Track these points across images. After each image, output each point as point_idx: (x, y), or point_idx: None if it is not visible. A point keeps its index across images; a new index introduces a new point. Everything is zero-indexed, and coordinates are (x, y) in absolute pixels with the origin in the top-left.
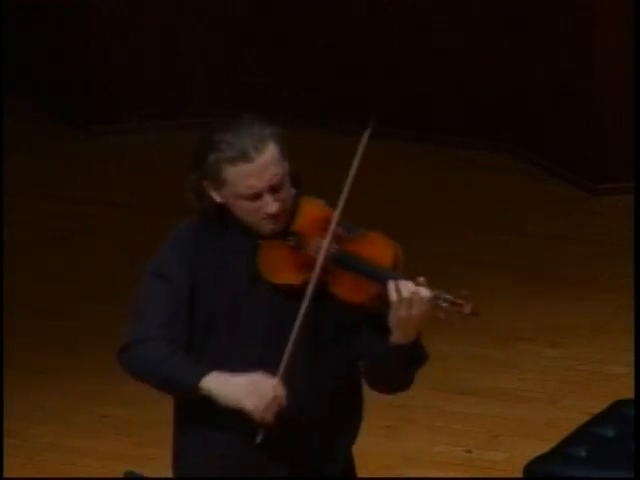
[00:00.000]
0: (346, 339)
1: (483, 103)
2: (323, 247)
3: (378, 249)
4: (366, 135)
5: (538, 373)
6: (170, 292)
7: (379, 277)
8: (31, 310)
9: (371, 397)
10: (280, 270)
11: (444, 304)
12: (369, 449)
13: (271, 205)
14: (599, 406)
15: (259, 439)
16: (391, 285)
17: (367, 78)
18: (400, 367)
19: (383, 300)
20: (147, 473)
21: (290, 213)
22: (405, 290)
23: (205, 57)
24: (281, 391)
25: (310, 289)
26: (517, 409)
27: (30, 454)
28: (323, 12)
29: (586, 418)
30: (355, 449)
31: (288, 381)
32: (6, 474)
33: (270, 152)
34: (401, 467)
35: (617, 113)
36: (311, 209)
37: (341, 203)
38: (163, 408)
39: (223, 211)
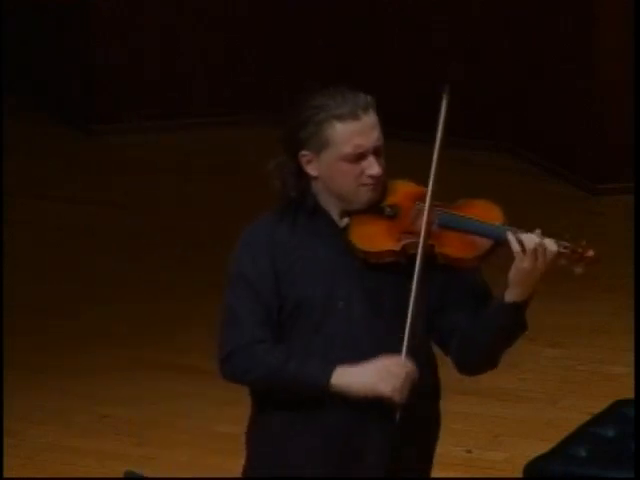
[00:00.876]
0: (446, 309)
1: (482, 103)
2: (426, 207)
3: (484, 209)
4: (445, 102)
5: (538, 373)
6: (255, 293)
7: (493, 232)
8: (31, 310)
9: None
10: (378, 239)
11: (567, 251)
12: None
13: (375, 167)
14: (599, 406)
15: (398, 417)
16: (512, 237)
17: (367, 78)
18: (506, 331)
19: (495, 255)
20: (147, 473)
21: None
22: (529, 242)
23: (205, 57)
24: (411, 366)
25: (420, 252)
26: (517, 409)
27: (30, 454)
28: (323, 12)
29: (586, 418)
30: None
31: (412, 353)
32: (6, 474)
33: (374, 116)
34: None
35: (617, 113)
36: (402, 187)
37: (433, 169)
38: (163, 408)
39: (305, 193)
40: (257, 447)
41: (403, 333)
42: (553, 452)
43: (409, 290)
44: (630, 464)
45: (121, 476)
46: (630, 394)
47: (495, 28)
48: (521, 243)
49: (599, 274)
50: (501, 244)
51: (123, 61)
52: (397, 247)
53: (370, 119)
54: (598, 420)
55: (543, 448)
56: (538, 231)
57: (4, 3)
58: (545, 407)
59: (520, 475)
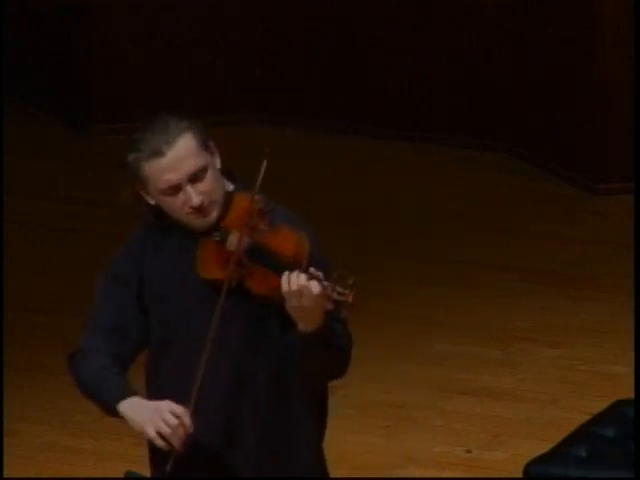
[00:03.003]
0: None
1: (483, 103)
2: (236, 240)
3: (282, 239)
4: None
5: (538, 373)
6: (121, 296)
7: (277, 269)
8: (31, 310)
9: (371, 397)
10: (209, 266)
11: (334, 295)
12: (369, 449)
13: (194, 197)
14: (599, 406)
15: (168, 467)
16: (284, 277)
17: (367, 78)
18: (316, 353)
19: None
20: (147, 473)
21: (224, 208)
22: (294, 283)
23: (205, 57)
24: (187, 419)
25: (225, 286)
26: (517, 409)
27: (30, 454)
28: (323, 12)
29: (586, 418)
30: (355, 449)
31: (206, 402)
32: (6, 474)
33: (184, 145)
34: (401, 467)
35: (617, 113)
36: (241, 203)
37: (255, 195)
38: None
39: (160, 214)
40: None
41: (255, 356)
42: (553, 452)
43: (254, 315)
44: (630, 464)
45: (121, 476)
46: (630, 394)
47: (495, 28)
48: (288, 283)
49: (599, 274)
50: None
51: (123, 61)
52: (222, 276)
53: (176, 151)
54: (598, 420)
55: (543, 448)
56: (312, 270)
57: (4, 3)
58: (545, 407)
59: (520, 475)
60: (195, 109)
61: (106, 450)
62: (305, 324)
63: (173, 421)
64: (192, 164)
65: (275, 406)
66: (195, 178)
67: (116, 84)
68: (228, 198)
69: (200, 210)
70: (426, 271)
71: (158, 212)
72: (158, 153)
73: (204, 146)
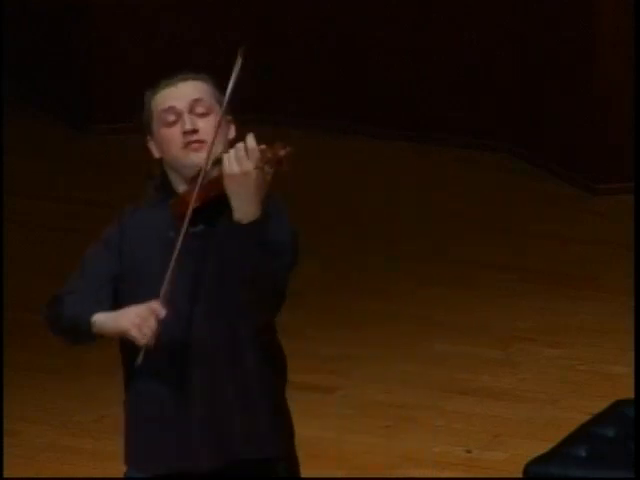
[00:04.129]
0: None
1: (483, 103)
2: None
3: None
4: (238, 63)
5: (538, 373)
6: (106, 258)
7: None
8: (31, 310)
9: (371, 397)
10: (180, 204)
11: (267, 153)
12: (369, 449)
13: (187, 123)
14: (599, 406)
15: (140, 359)
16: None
17: (367, 78)
18: (252, 252)
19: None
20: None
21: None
22: (232, 150)
23: (205, 57)
24: (158, 306)
25: (189, 211)
26: (517, 409)
27: (30, 454)
28: (323, 12)
29: (586, 418)
30: (355, 449)
31: (175, 303)
32: (6, 474)
33: (196, 84)
34: (401, 467)
35: (617, 113)
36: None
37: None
38: None
39: (160, 187)
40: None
41: (221, 301)
42: (553, 452)
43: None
44: (630, 464)
45: (121, 476)
46: (630, 394)
47: (495, 28)
48: (228, 152)
49: (599, 274)
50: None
51: (123, 61)
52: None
53: (187, 85)
54: (598, 420)
55: (543, 448)
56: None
57: (4, 3)
58: (545, 407)
59: (520, 475)
60: None
61: (106, 450)
62: (244, 205)
63: (145, 311)
64: (198, 97)
65: (234, 357)
66: (195, 110)
67: (116, 84)
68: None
69: (191, 137)
70: (426, 271)
71: (159, 185)
72: (170, 84)
73: (216, 98)
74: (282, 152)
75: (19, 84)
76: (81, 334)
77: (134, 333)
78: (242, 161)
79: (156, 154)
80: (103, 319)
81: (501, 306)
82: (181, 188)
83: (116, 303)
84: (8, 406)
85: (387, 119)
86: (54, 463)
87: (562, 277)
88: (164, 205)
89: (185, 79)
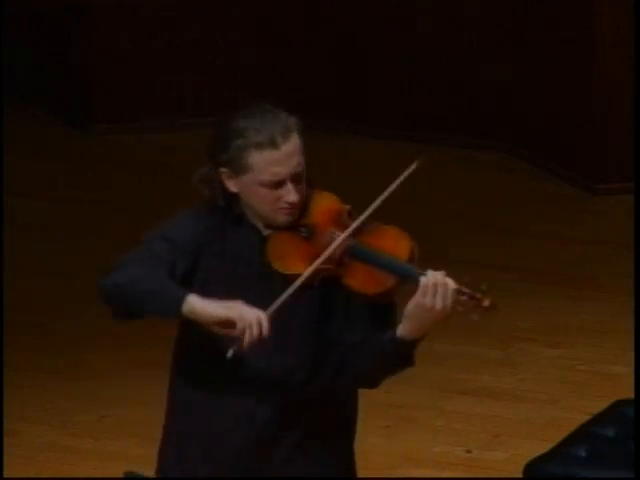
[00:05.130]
0: (344, 327)
1: (483, 103)
2: (339, 239)
3: (394, 242)
4: (413, 167)
5: (538, 373)
6: (170, 251)
7: (399, 269)
8: (31, 310)
9: (371, 397)
10: (290, 260)
11: (464, 297)
12: (369, 449)
13: (292, 194)
14: (599, 406)
15: (230, 353)
16: (419, 275)
17: (367, 78)
18: (391, 363)
19: (397, 291)
20: (147, 473)
21: (302, 206)
22: (433, 279)
23: (205, 57)
24: (265, 320)
25: (307, 272)
26: (517, 409)
27: (30, 454)
28: (324, 12)
29: (586, 418)
30: (355, 449)
31: (279, 330)
32: (6, 474)
33: (295, 141)
34: (401, 467)
35: (617, 113)
36: (324, 202)
37: (373, 206)
38: (163, 408)
39: (232, 202)
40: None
41: (307, 360)
42: (553, 452)
43: (317, 317)
44: (630, 464)
45: (121, 476)
46: (630, 394)
47: (495, 28)
48: (427, 279)
49: (599, 274)
50: (405, 281)
51: (123, 61)
52: (304, 271)
53: (289, 146)
54: (598, 420)
55: (543, 448)
56: (442, 272)
57: (4, 3)
58: (545, 407)
59: (520, 475)
60: (195, 109)
61: (106, 450)
62: (417, 328)
63: (253, 314)
64: (299, 162)
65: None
66: (296, 178)
67: (116, 84)
68: (307, 196)
69: (293, 207)
70: None
71: (230, 200)
72: (273, 144)
73: (303, 146)
74: (486, 303)
75: (19, 84)
76: (156, 307)
77: (240, 326)
78: (437, 294)
79: (232, 189)
80: (199, 301)
81: (501, 306)
82: (259, 224)
83: None
84: (8, 406)
85: (387, 119)
86: (54, 463)
87: (562, 277)
88: (245, 235)
89: (287, 136)
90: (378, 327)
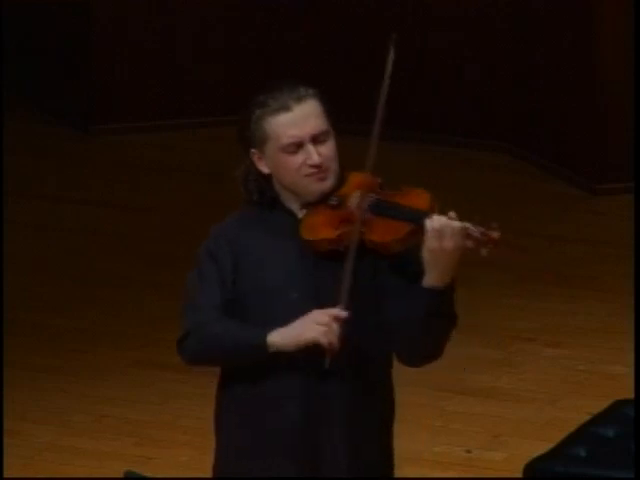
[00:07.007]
0: (378, 303)
1: (483, 103)
2: (357, 199)
3: (414, 196)
4: (391, 54)
5: (538, 373)
6: (217, 272)
7: (412, 216)
8: (31, 310)
9: None
10: (319, 228)
11: (474, 233)
12: None
13: (314, 155)
14: (599, 406)
15: (327, 363)
16: (425, 220)
17: (367, 78)
18: (434, 317)
19: (415, 238)
20: (147, 473)
21: (338, 183)
22: (437, 222)
23: (205, 57)
24: (334, 310)
25: (354, 237)
26: (517, 409)
27: (30, 454)
28: (324, 12)
29: (586, 418)
30: None
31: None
32: (6, 474)
33: (311, 104)
34: (401, 467)
35: (617, 113)
36: (356, 177)
37: (377, 127)
38: (163, 408)
39: (267, 192)
40: (228, 426)
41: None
42: (553, 452)
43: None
44: (630, 464)
45: (121, 476)
46: (630, 394)
47: (495, 28)
48: (431, 223)
49: (599, 274)
50: (419, 227)
51: (123, 61)
52: (332, 235)
53: (304, 109)
54: (598, 420)
55: (543, 448)
56: (451, 214)
57: (4, 3)
58: (545, 407)
59: (520, 475)
60: (195, 109)
61: (106, 450)
62: (438, 273)
63: (325, 317)
64: (317, 124)
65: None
66: (317, 139)
67: (116, 84)
68: (341, 176)
69: (319, 170)
70: None
71: (264, 188)
72: (286, 108)
73: (328, 115)
74: (495, 235)
75: (19, 84)
76: (245, 361)
77: (323, 340)
78: (444, 237)
79: (265, 170)
80: (279, 338)
81: (501, 306)
82: (294, 207)
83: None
84: (8, 406)
85: (387, 119)
86: (53, 463)
87: (562, 277)
88: (280, 221)
89: (300, 100)
90: (403, 292)
